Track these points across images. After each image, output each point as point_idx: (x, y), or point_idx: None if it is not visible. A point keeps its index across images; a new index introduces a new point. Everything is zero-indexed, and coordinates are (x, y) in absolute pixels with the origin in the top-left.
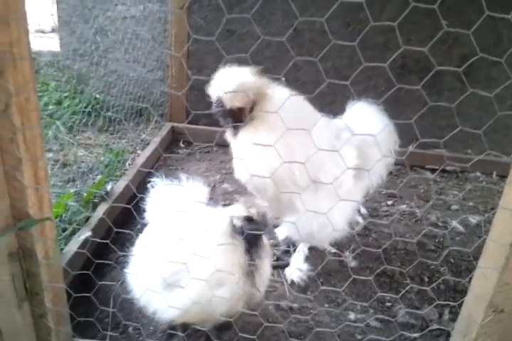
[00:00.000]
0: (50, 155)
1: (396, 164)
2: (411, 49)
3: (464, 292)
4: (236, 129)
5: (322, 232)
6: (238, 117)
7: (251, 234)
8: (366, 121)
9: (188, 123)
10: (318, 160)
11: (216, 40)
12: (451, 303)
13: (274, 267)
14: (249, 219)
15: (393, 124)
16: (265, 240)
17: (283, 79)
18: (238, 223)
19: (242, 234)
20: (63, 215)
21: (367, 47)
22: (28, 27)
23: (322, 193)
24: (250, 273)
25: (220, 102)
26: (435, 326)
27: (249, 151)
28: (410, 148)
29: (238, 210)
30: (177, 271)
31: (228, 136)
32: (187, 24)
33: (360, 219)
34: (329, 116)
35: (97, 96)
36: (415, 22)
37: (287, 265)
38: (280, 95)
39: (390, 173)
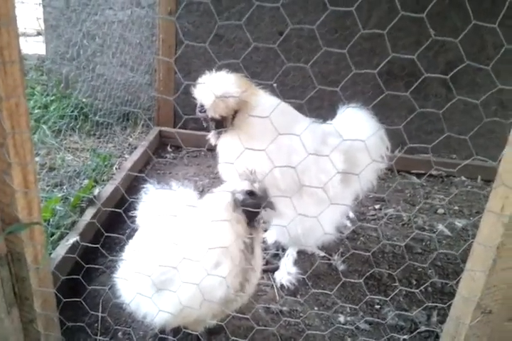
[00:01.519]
0: (37, 159)
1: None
2: (392, 55)
3: (451, 294)
4: (219, 134)
5: (308, 236)
6: (220, 124)
7: (250, 208)
8: (356, 126)
9: (176, 127)
10: (301, 164)
11: (203, 44)
12: (440, 305)
13: (264, 271)
14: (250, 193)
15: (383, 129)
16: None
17: (274, 85)
18: (240, 197)
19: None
20: (51, 220)
21: (354, 53)
22: (18, 31)
23: (307, 197)
24: (248, 248)
25: (203, 108)
26: (424, 328)
27: (231, 156)
28: (399, 153)
29: (240, 184)
30: (167, 271)
31: (211, 138)
32: (175, 29)
33: (348, 223)
34: (319, 121)
35: (84, 100)
36: (401, 28)
37: (277, 269)
38: (264, 103)
39: (377, 178)
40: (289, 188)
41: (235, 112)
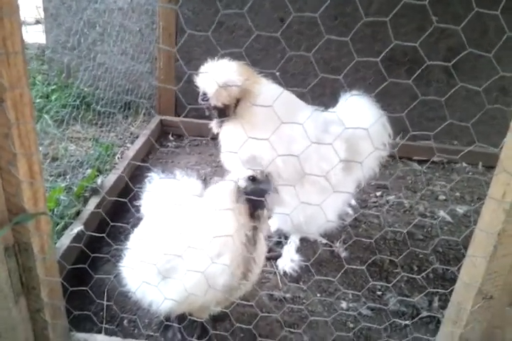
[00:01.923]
0: (40, 149)
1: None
2: (394, 43)
3: (452, 280)
4: (221, 122)
5: (310, 224)
6: (223, 112)
7: (254, 196)
8: (359, 114)
9: (178, 116)
10: (303, 153)
11: (205, 32)
12: (441, 291)
13: (267, 258)
14: (253, 179)
15: (386, 116)
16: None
17: (277, 73)
18: (243, 184)
19: (246, 195)
20: (55, 209)
21: (355, 39)
22: (20, 21)
23: (309, 186)
24: (252, 238)
25: (205, 97)
26: (425, 313)
27: (233, 145)
28: (401, 141)
29: (243, 172)
30: (171, 259)
31: (213, 127)
32: (175, 16)
33: (350, 211)
34: (321, 109)
35: (86, 89)
36: (403, 15)
37: (279, 256)
38: (267, 91)
39: (379, 165)
40: (291, 177)
41: (238, 101)
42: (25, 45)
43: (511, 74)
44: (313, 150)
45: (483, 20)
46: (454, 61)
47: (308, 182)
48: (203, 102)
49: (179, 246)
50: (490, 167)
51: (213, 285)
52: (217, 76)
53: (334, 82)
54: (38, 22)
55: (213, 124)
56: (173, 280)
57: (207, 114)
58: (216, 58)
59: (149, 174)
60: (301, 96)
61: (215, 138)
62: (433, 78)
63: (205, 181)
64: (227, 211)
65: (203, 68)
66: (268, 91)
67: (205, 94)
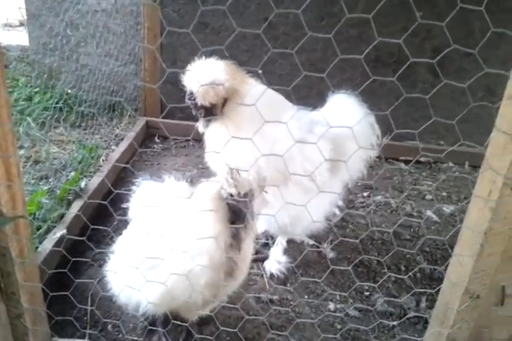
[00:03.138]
0: (22, 152)
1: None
2: (385, 42)
3: (439, 280)
4: (207, 122)
5: (295, 225)
6: (209, 112)
7: (237, 206)
8: (346, 114)
9: (163, 117)
10: (286, 153)
11: (191, 33)
12: (428, 291)
13: (254, 260)
14: (232, 195)
15: (374, 116)
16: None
17: (260, 71)
18: (224, 194)
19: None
20: (37, 213)
21: (341, 40)
22: None
23: (293, 186)
24: (234, 243)
25: (192, 96)
26: (413, 314)
27: (218, 145)
28: (386, 140)
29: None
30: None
31: (200, 127)
32: (160, 17)
33: (337, 211)
34: (307, 109)
35: (69, 91)
36: (388, 15)
37: (266, 258)
38: (254, 92)
39: (367, 166)
40: (274, 177)
41: (225, 100)
42: (8, 46)
43: (496, 71)
44: (296, 151)
45: (469, 21)
46: (440, 61)
47: (293, 182)
48: (189, 101)
49: (162, 247)
50: (476, 166)
51: (195, 285)
52: (204, 75)
53: (320, 83)
54: (21, 24)
55: (199, 124)
56: (155, 277)
57: (194, 113)
58: (203, 57)
59: (135, 177)
60: (287, 96)
61: (200, 139)
62: (419, 78)
63: (192, 183)
64: (208, 213)
65: (190, 67)
66: (255, 91)
67: (191, 93)
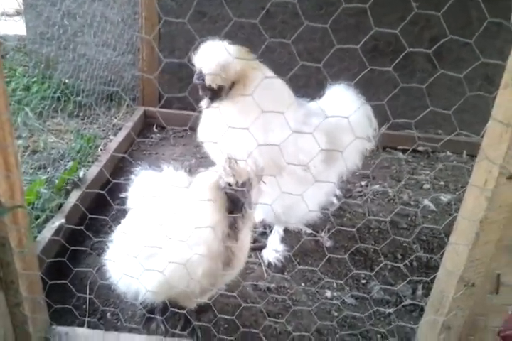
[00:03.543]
0: (20, 142)
1: None
2: (383, 32)
3: (435, 268)
4: (211, 101)
5: (289, 215)
6: (216, 94)
7: (235, 195)
8: (343, 106)
9: (161, 107)
10: (280, 143)
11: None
12: (424, 279)
13: (252, 249)
14: (230, 185)
15: (371, 108)
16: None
17: (260, 61)
18: (222, 183)
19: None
20: (35, 203)
21: (339, 29)
22: None
23: (287, 176)
24: (231, 232)
25: (201, 76)
26: (409, 301)
27: (214, 128)
28: (383, 130)
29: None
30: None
31: (203, 105)
32: (157, 6)
33: (334, 200)
34: (305, 100)
35: (66, 81)
36: (386, 4)
37: (264, 246)
38: (262, 77)
39: (363, 157)
40: (268, 167)
41: (233, 84)
42: (5, 36)
43: (494, 61)
44: (290, 142)
45: (467, 11)
46: (438, 50)
47: (286, 172)
48: (197, 81)
49: (160, 236)
50: (474, 156)
51: (192, 274)
52: (216, 57)
53: (319, 72)
54: (18, 13)
55: (203, 103)
56: (153, 266)
57: (200, 94)
58: (217, 39)
59: (133, 166)
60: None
61: (193, 128)
62: (417, 68)
63: (190, 173)
64: (206, 202)
65: (202, 47)
66: (264, 77)
67: (201, 73)
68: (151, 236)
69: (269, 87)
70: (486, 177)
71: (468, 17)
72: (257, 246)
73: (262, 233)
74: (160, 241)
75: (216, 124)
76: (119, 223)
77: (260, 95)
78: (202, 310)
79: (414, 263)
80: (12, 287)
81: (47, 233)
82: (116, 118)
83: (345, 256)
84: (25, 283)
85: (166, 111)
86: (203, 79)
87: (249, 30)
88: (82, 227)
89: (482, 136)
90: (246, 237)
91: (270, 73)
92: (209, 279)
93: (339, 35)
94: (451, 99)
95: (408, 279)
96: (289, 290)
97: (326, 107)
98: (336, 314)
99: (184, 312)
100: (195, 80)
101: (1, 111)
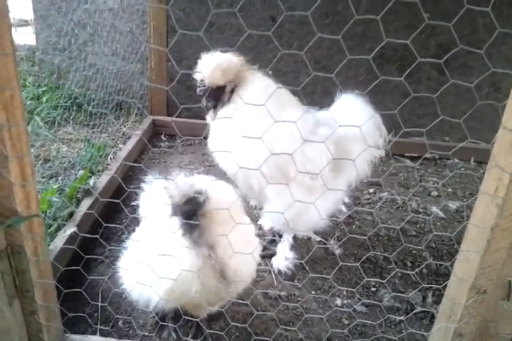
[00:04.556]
0: (31, 151)
1: None
2: (386, 41)
3: (445, 275)
4: (215, 109)
5: (297, 223)
6: (218, 97)
7: (186, 211)
8: (352, 115)
9: (170, 116)
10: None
11: (197, 32)
12: (435, 286)
13: (262, 257)
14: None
15: (380, 117)
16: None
17: (269, 72)
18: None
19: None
20: (47, 211)
21: (346, 37)
22: (10, 22)
23: (295, 186)
24: (202, 245)
25: (202, 82)
26: (419, 309)
27: (222, 137)
28: (394, 138)
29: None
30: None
31: (208, 119)
32: (166, 16)
33: (343, 208)
34: (314, 108)
35: (76, 90)
36: (392, 12)
37: (274, 254)
38: (260, 82)
39: (371, 166)
40: (275, 175)
41: (233, 88)
42: (15, 46)
43: (503, 70)
44: (298, 151)
45: (473, 18)
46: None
47: (294, 181)
48: (199, 89)
49: (172, 244)
50: (482, 162)
51: (187, 289)
52: (213, 59)
53: (326, 80)
54: (27, 23)
55: (209, 116)
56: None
57: (204, 104)
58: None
59: (143, 175)
60: (293, 94)
61: (207, 137)
62: (424, 75)
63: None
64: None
65: (201, 60)
66: (260, 82)
67: (202, 80)
68: (164, 244)
69: (268, 90)
70: (497, 185)
71: (474, 24)
72: (267, 254)
73: (272, 241)
74: (172, 249)
75: (224, 134)
76: (130, 231)
77: (260, 99)
78: (213, 318)
79: (424, 271)
80: (27, 295)
81: (59, 242)
82: (125, 127)
83: (357, 264)
84: (41, 292)
85: (174, 120)
86: (204, 85)
87: (256, 38)
88: (97, 236)
89: (490, 143)
90: (255, 245)
91: (266, 79)
92: (207, 294)
93: (346, 44)
94: (459, 106)
95: (420, 287)
96: (299, 298)
97: (335, 116)
98: (346, 322)
99: (196, 320)
100: (197, 90)
101: (18, 122)
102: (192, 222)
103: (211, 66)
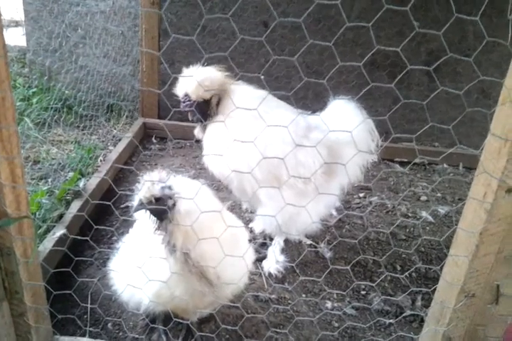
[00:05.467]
0: (21, 152)
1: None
2: (376, 48)
3: (434, 279)
4: (204, 126)
5: (289, 226)
6: (205, 110)
7: (155, 210)
8: (345, 120)
9: (161, 118)
10: (278, 157)
11: (188, 36)
12: (424, 290)
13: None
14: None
15: (372, 122)
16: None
17: (262, 77)
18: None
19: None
20: (37, 213)
21: (337, 43)
22: (1, 24)
23: (287, 189)
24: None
25: (186, 97)
26: (409, 312)
27: (214, 146)
28: (383, 143)
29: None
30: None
31: (197, 132)
32: (158, 19)
33: (334, 212)
34: (305, 113)
35: (67, 92)
36: (384, 19)
37: (264, 257)
38: (244, 91)
39: (362, 171)
40: (267, 179)
41: (218, 101)
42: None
43: (491, 78)
44: (290, 155)
45: (462, 26)
46: (434, 63)
47: (287, 185)
48: (184, 104)
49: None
50: (470, 168)
51: (172, 294)
52: (196, 74)
53: (317, 85)
54: (17, 24)
55: (197, 130)
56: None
57: (190, 118)
58: (199, 63)
59: (133, 177)
60: (285, 99)
61: (198, 141)
62: (414, 81)
63: None
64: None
65: (183, 73)
66: (245, 91)
67: (186, 95)
68: (152, 248)
69: (256, 97)
70: (485, 191)
71: (464, 32)
72: (258, 257)
73: (262, 244)
74: (157, 252)
75: (218, 139)
76: (121, 233)
77: (248, 110)
78: (204, 320)
79: (413, 274)
80: (16, 297)
81: (48, 243)
82: (115, 129)
83: (348, 268)
84: (30, 293)
85: (165, 123)
86: (189, 100)
87: (248, 43)
88: (87, 238)
89: (480, 150)
90: (244, 249)
91: (249, 88)
92: (194, 298)
93: (338, 49)
94: (448, 111)
95: (410, 290)
96: (290, 301)
97: (328, 121)
98: (336, 325)
99: (187, 322)
100: (182, 105)
101: (9, 123)
102: (160, 225)
103: (196, 81)
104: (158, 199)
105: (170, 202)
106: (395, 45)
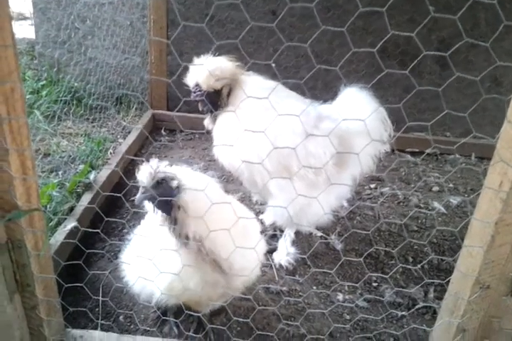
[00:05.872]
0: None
1: None
2: (391, 34)
3: (447, 270)
4: (214, 117)
5: (300, 218)
6: (215, 101)
7: (159, 200)
8: (357, 108)
9: (170, 110)
10: (290, 147)
11: (198, 24)
12: (436, 281)
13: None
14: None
15: (385, 111)
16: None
17: (273, 65)
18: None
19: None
20: (48, 206)
21: (347, 31)
22: (10, 14)
23: (297, 180)
24: (183, 237)
25: (197, 87)
26: (421, 304)
27: (224, 137)
28: (395, 133)
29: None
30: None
31: (207, 123)
32: (166, 10)
33: (345, 203)
34: (316, 102)
35: (76, 84)
36: (394, 6)
37: (275, 249)
38: (255, 82)
39: (375, 160)
40: (277, 170)
41: (229, 92)
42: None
43: (506, 63)
44: (300, 146)
45: (474, 12)
46: (446, 52)
47: (297, 176)
48: (196, 94)
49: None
50: (483, 158)
51: (184, 287)
52: (207, 64)
53: (326, 74)
54: (25, 17)
55: (207, 121)
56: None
57: (200, 108)
58: (209, 52)
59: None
60: (294, 88)
61: (208, 132)
62: (425, 69)
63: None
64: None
65: (193, 63)
66: (256, 82)
67: (197, 85)
68: (164, 239)
69: (267, 87)
70: (501, 179)
71: (475, 19)
72: (269, 249)
73: (273, 236)
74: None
75: (228, 129)
76: (132, 226)
77: (260, 100)
78: (215, 313)
79: (426, 266)
80: (28, 290)
81: (59, 236)
82: (125, 121)
83: (361, 259)
84: (41, 286)
85: (175, 114)
86: (200, 90)
87: (257, 32)
88: (98, 230)
89: (495, 139)
90: (256, 241)
91: (260, 78)
92: (208, 290)
93: (348, 37)
94: (460, 100)
95: (423, 282)
96: (301, 293)
97: (339, 110)
98: (348, 317)
99: (198, 314)
100: (192, 95)
101: (18, 114)
102: (166, 211)
103: (207, 70)
104: (161, 183)
105: (174, 183)
106: (406, 32)
